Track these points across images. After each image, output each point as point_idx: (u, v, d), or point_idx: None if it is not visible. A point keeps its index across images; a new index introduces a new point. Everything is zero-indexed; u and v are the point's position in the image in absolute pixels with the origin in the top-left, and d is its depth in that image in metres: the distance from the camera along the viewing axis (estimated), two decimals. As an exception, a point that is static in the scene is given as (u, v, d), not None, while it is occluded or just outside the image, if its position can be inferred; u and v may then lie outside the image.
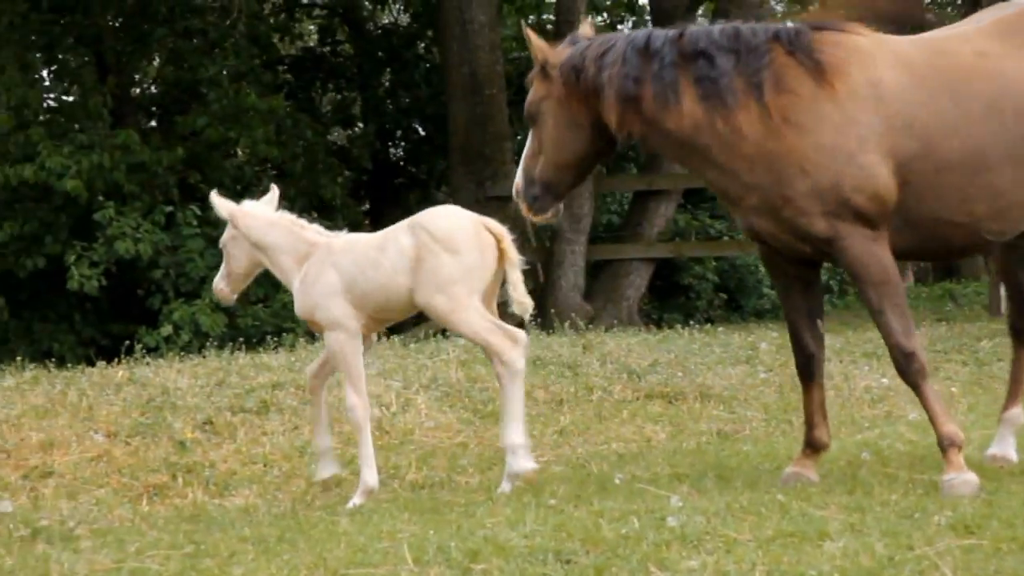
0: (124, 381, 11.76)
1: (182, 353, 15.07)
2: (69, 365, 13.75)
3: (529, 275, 19.96)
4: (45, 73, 22.90)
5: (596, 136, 8.04)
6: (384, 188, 27.34)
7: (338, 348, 8.50)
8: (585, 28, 8.26)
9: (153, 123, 24.26)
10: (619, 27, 27.85)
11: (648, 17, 26.99)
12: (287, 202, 21.51)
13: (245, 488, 9.03)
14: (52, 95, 22.86)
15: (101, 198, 19.44)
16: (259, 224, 8.83)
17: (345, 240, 8.74)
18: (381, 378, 11.65)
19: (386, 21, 29.26)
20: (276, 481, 9.10)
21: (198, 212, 19.52)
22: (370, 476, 8.40)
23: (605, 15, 27.87)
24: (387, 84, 27.85)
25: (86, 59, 22.55)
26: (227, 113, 21.23)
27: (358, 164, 25.90)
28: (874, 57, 7.55)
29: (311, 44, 29.07)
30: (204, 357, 13.62)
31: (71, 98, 22.37)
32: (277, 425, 10.49)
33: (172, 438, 10.01)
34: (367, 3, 28.19)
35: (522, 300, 8.28)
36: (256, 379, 11.69)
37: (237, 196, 20.44)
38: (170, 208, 19.73)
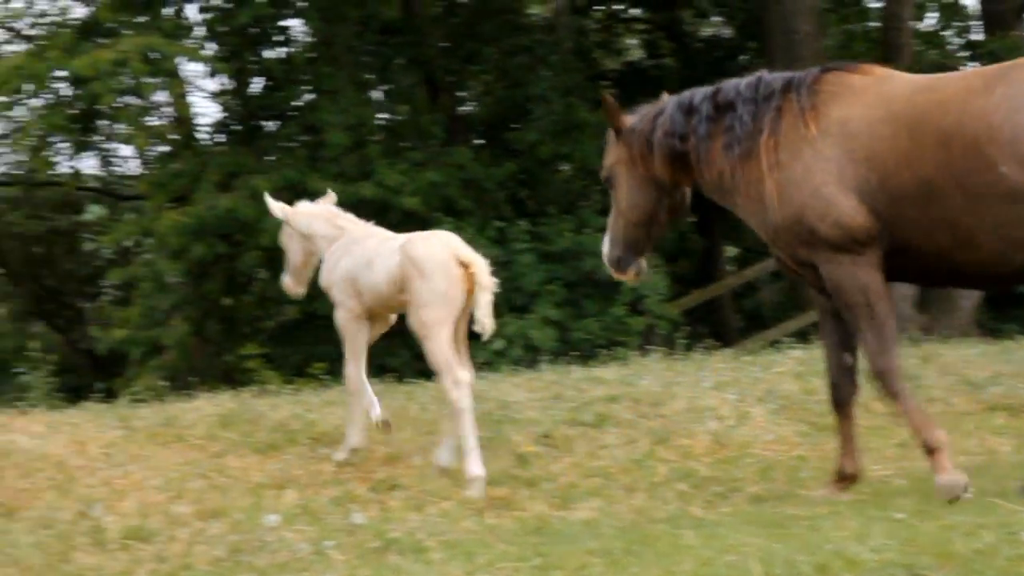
0: (462, 396, 11.97)
1: (514, 367, 15.26)
2: (406, 380, 14.06)
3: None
4: (374, 93, 23.44)
5: (662, 193, 8.81)
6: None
7: (342, 324, 10.00)
8: (663, 97, 9.03)
9: (481, 140, 24.63)
10: (942, 33, 27.17)
11: (972, 23, 26.28)
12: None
13: (586, 501, 9.05)
14: (385, 115, 23.36)
15: (437, 214, 19.73)
16: (303, 217, 10.42)
17: (364, 233, 10.23)
18: (716, 391, 11.65)
19: (708, 33, 29.17)
20: (617, 494, 9.14)
21: (529, 227, 19.75)
22: (354, 436, 10.02)
23: (937, 16, 27.17)
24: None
25: (416, 79, 23.02)
26: (557, 128, 21.47)
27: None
28: (859, 95, 8.04)
29: (633, 59, 29.15)
30: (538, 371, 13.80)
31: (402, 117, 22.86)
32: (614, 438, 10.54)
33: (513, 451, 10.15)
34: (690, 16, 28.15)
35: (483, 321, 9.22)
36: (591, 392, 11.80)
37: (565, 212, 20.73)
38: (501, 223, 19.98)
